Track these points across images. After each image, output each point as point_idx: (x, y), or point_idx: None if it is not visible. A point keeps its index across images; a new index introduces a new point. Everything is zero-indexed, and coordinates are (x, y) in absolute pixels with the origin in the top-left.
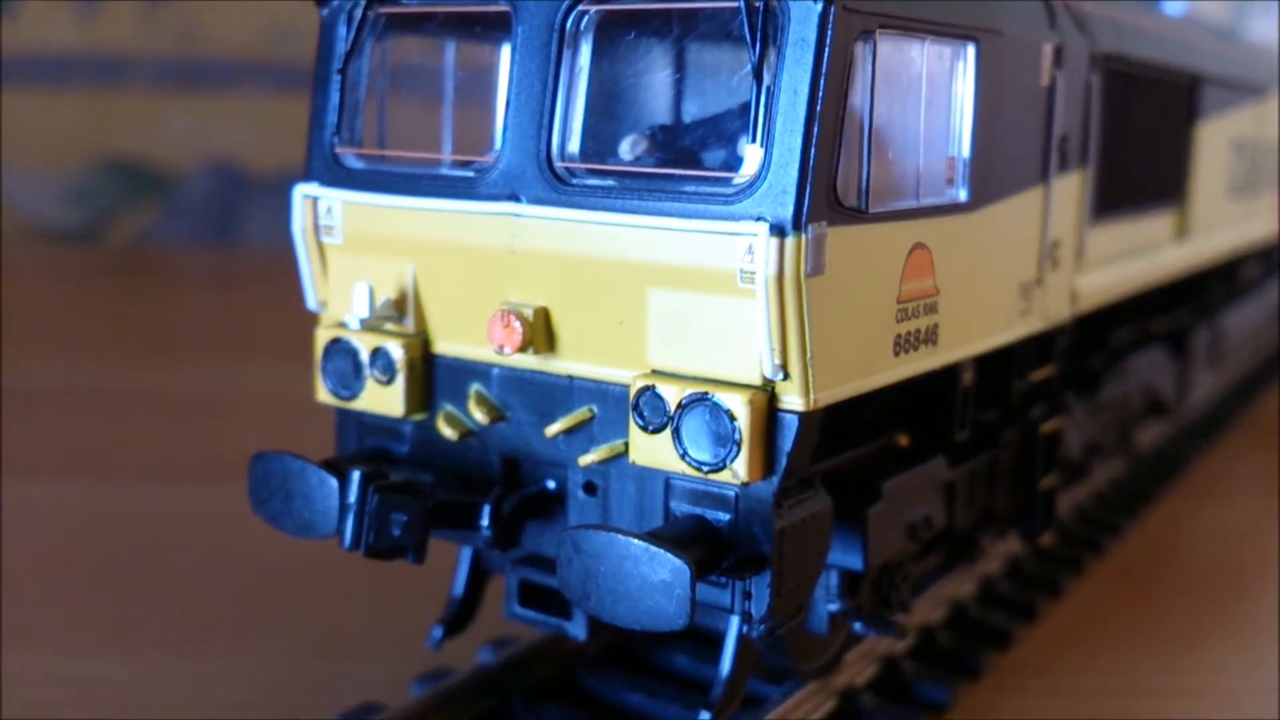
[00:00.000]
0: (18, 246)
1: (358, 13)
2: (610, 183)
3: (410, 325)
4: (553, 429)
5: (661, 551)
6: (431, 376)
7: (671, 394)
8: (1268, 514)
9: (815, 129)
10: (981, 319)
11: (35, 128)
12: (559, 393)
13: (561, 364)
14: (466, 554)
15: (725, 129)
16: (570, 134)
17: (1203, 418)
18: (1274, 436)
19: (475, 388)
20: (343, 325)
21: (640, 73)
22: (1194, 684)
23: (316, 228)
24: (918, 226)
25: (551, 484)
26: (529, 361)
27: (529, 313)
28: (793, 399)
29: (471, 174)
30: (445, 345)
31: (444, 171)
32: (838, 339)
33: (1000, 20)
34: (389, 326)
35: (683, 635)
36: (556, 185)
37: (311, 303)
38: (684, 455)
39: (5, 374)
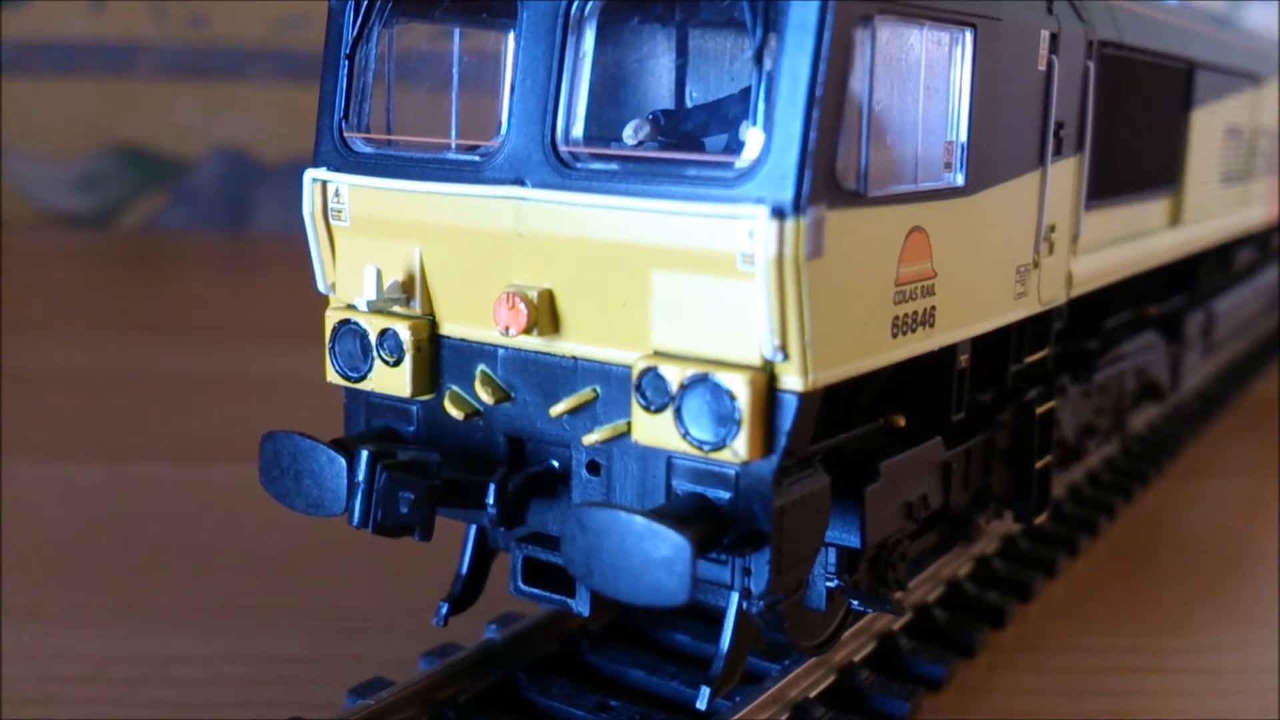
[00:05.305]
0: (29, 232)
1: None
2: (614, 167)
3: (417, 307)
4: (557, 409)
5: (663, 528)
6: (438, 358)
7: (673, 374)
8: (1260, 495)
9: (815, 113)
10: (978, 302)
11: (46, 114)
12: (563, 373)
13: (566, 345)
14: (472, 532)
15: (727, 114)
16: (574, 119)
17: (1196, 400)
18: (1265, 418)
19: (481, 369)
20: (351, 307)
21: (643, 58)
22: (1186, 663)
23: (326, 211)
24: (915, 210)
25: (555, 463)
26: (534, 343)
27: (534, 295)
28: (792, 379)
29: (477, 158)
30: (451, 327)
31: (450, 156)
32: (836, 320)
33: (998, 6)
34: (396, 308)
35: (684, 612)
36: (561, 169)
37: (321, 285)
38: (685, 434)
39: (17, 357)
